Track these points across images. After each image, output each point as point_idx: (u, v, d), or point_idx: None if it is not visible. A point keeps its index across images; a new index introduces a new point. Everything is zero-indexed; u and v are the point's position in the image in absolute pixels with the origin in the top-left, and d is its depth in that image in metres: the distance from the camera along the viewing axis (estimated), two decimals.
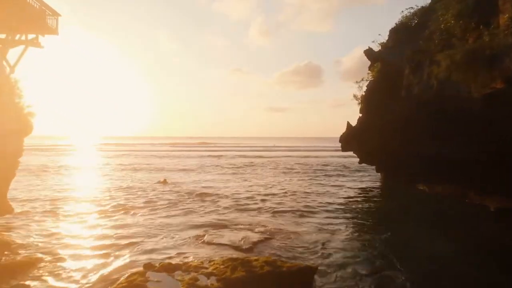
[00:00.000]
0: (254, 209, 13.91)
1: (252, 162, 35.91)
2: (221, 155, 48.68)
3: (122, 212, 13.18)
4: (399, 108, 18.57)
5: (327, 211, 13.84)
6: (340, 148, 24.96)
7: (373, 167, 26.41)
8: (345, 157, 46.67)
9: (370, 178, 25.31)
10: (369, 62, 23.71)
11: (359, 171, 28.47)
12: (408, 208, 14.52)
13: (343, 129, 24.08)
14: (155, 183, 20.75)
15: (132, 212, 13.25)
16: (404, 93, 15.16)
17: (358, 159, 24.81)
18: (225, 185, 20.47)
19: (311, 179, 24.33)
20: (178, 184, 20.31)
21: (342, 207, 14.54)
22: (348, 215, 13.38)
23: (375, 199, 17.34)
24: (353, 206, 14.90)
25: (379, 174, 24.88)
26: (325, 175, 26.25)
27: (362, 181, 23.78)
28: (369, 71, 23.33)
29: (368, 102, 22.90)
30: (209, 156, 47.15)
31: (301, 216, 12.99)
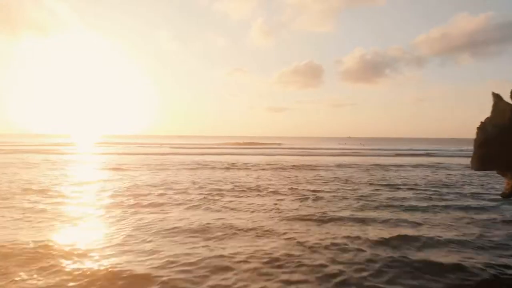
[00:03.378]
0: None
1: (272, 183, 21.07)
2: (214, 161, 33.76)
3: None
4: None
5: None
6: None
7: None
8: (426, 166, 31.50)
9: None
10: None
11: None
12: None
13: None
14: None
15: None
16: None
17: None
18: None
19: None
20: None
21: None
22: None
23: None
24: None
25: None
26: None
27: None
28: None
29: None
30: (205, 163, 32.36)
31: None
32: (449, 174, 24.64)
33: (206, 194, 14.97)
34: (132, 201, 13.22)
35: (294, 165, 30.36)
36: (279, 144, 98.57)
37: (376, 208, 12.89)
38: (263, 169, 26.58)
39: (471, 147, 10.54)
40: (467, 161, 12.08)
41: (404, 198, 14.87)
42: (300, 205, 13.06)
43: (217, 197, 14.42)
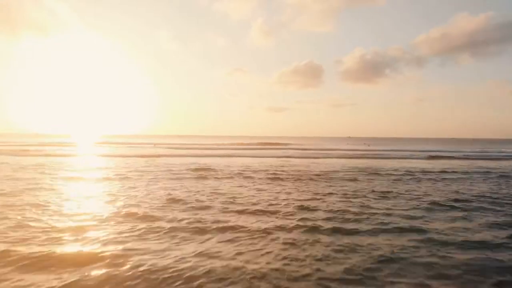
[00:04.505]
0: None
1: None
2: (210, 164, 28.23)
3: None
4: None
5: None
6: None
7: None
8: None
9: None
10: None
11: None
12: None
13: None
14: None
15: None
16: None
17: None
18: None
19: None
20: None
21: None
22: None
23: None
24: None
25: None
26: None
27: None
28: None
29: None
30: (199, 167, 26.99)
31: None
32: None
33: (169, 231, 9.26)
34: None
35: (305, 171, 24.61)
36: (286, 144, 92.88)
37: (455, 264, 7.13)
38: (268, 177, 20.86)
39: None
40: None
41: (492, 240, 9.04)
42: (324, 256, 7.35)
43: (186, 237, 8.76)
